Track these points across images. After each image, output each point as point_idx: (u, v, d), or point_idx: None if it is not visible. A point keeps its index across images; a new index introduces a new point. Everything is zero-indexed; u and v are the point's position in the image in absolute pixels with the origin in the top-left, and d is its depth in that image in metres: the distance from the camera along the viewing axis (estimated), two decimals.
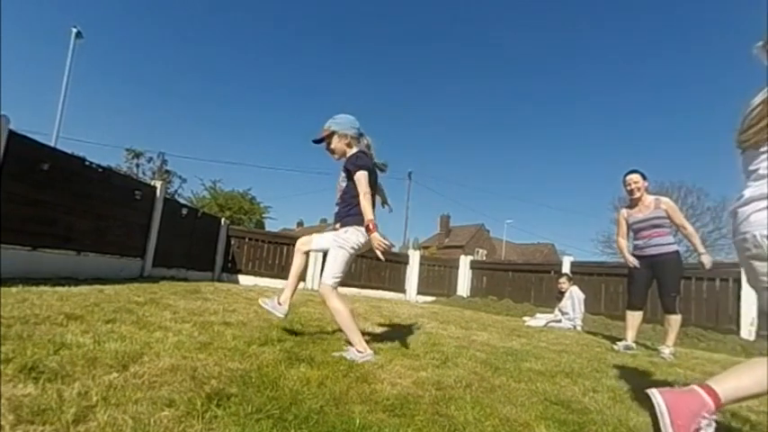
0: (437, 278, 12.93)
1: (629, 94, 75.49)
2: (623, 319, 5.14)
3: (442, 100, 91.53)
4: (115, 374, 1.77)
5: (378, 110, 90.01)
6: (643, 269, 4.79)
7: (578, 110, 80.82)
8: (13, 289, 3.77)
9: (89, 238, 6.27)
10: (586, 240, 68.37)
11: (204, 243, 10.16)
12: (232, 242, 11.01)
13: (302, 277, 3.21)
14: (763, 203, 1.55)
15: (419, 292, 12.49)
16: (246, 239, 11.26)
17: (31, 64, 57.69)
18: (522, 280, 11.26)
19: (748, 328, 6.99)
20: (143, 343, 2.37)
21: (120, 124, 67.42)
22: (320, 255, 11.28)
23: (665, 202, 4.79)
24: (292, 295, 3.15)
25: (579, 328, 7.23)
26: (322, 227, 36.34)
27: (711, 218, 34.13)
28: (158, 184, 8.28)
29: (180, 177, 27.81)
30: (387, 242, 2.74)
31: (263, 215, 26.02)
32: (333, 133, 3.02)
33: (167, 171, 27.58)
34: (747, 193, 1.63)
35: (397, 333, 4.11)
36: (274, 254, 11.05)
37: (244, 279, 10.61)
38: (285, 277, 3.12)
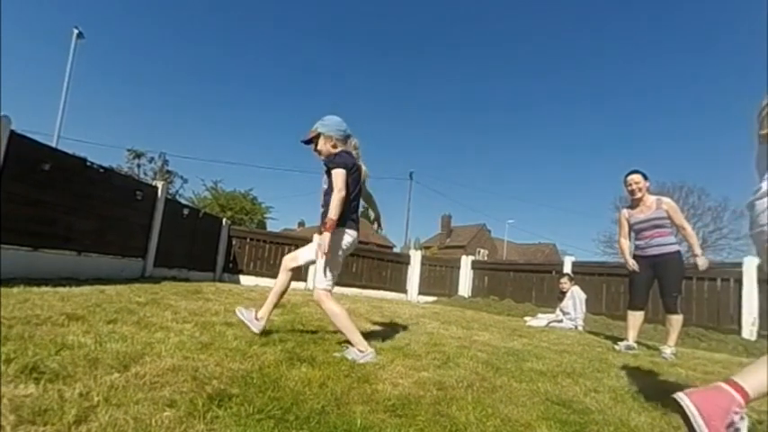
0: (438, 278, 12.92)
1: (630, 94, 75.52)
2: (624, 319, 5.13)
3: (444, 100, 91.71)
4: (116, 375, 1.77)
5: (379, 110, 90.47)
6: (644, 269, 4.78)
7: (579, 110, 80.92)
8: (15, 289, 3.77)
9: (90, 238, 6.28)
10: (588, 240, 68.81)
11: (206, 243, 10.17)
12: (233, 242, 11.02)
13: (284, 294, 3.20)
14: None
15: (420, 293, 12.48)
16: (248, 240, 11.27)
17: (32, 64, 57.79)
18: (524, 280, 11.25)
19: (750, 328, 6.99)
20: (144, 343, 2.37)
21: (121, 125, 67.52)
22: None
23: (667, 202, 4.78)
24: (271, 312, 3.13)
25: (580, 328, 7.21)
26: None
27: (712, 218, 34.13)
28: (160, 184, 8.28)
29: (181, 178, 27.84)
30: (325, 250, 2.72)
31: (265, 215, 26.07)
32: (319, 135, 3.04)
33: (169, 171, 27.62)
34: (765, 185, 1.64)
35: (399, 333, 4.11)
36: (276, 254, 11.02)
37: (245, 279, 10.62)
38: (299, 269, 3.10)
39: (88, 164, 6.18)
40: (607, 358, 3.94)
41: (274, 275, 3.14)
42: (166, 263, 8.40)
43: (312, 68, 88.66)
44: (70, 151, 7.17)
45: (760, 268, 7.18)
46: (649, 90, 72.46)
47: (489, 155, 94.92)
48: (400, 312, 6.53)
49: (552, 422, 1.85)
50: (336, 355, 2.70)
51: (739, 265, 7.51)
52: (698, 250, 4.61)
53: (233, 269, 10.84)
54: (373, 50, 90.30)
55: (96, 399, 1.49)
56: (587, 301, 7.62)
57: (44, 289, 4.06)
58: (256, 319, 3.04)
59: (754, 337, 6.83)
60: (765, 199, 1.62)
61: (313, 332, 3.54)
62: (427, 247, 47.76)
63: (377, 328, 4.35)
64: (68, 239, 5.86)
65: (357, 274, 12.06)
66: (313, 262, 3.08)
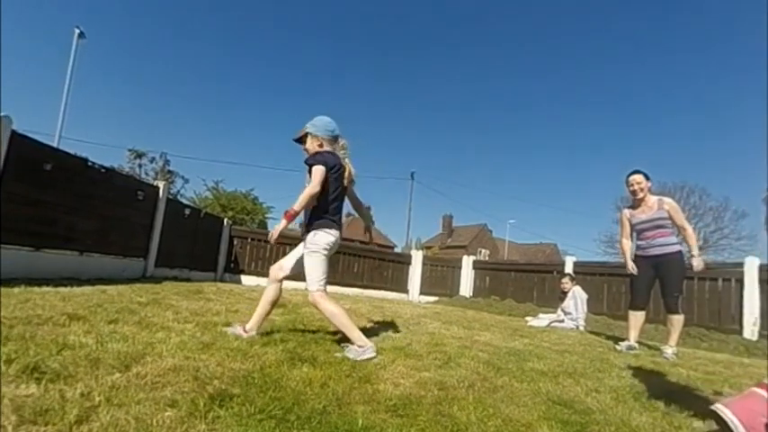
0: (440, 278, 12.92)
1: (631, 94, 75.39)
2: (626, 319, 5.13)
3: (445, 100, 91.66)
4: (118, 375, 1.77)
5: (379, 110, 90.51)
6: (646, 269, 4.78)
7: (580, 110, 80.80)
8: (16, 289, 3.77)
9: (92, 238, 6.28)
10: (589, 240, 68.68)
11: (207, 243, 10.17)
12: (235, 242, 11.01)
13: (275, 305, 3.20)
14: None
15: (422, 293, 12.48)
16: (249, 240, 11.26)
17: (33, 64, 57.82)
18: (525, 280, 11.24)
19: (751, 328, 6.98)
20: (146, 343, 2.37)
21: (123, 125, 67.53)
22: None
23: (668, 202, 4.77)
24: (261, 324, 3.11)
25: (582, 328, 7.21)
26: None
27: (713, 218, 34.14)
28: (161, 184, 8.28)
29: (182, 178, 27.89)
30: (274, 237, 2.90)
31: (266, 215, 26.03)
32: (307, 134, 3.11)
33: (170, 171, 27.66)
34: None
35: (400, 333, 4.11)
36: (277, 254, 10.96)
37: (246, 279, 10.61)
38: (289, 277, 3.11)
39: (89, 164, 6.19)
40: (608, 358, 3.94)
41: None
42: (168, 263, 8.41)
43: (312, 68, 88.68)
44: (71, 151, 7.19)
45: (761, 268, 7.18)
46: (650, 90, 72.49)
47: (490, 155, 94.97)
48: (401, 312, 6.53)
49: (553, 422, 1.85)
50: (338, 355, 2.70)
51: (740, 265, 7.49)
52: (695, 251, 4.61)
53: (234, 269, 10.84)
54: (373, 50, 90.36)
55: (98, 399, 1.49)
56: (588, 301, 7.62)
57: (45, 289, 4.06)
58: (245, 332, 3.00)
59: (755, 338, 6.82)
60: None
61: (314, 332, 3.54)
62: (428, 247, 47.74)
63: (378, 328, 4.35)
64: (70, 239, 5.86)
65: (358, 274, 12.06)
66: (300, 269, 3.06)
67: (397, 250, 36.87)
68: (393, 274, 12.59)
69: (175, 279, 8.09)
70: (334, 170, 2.98)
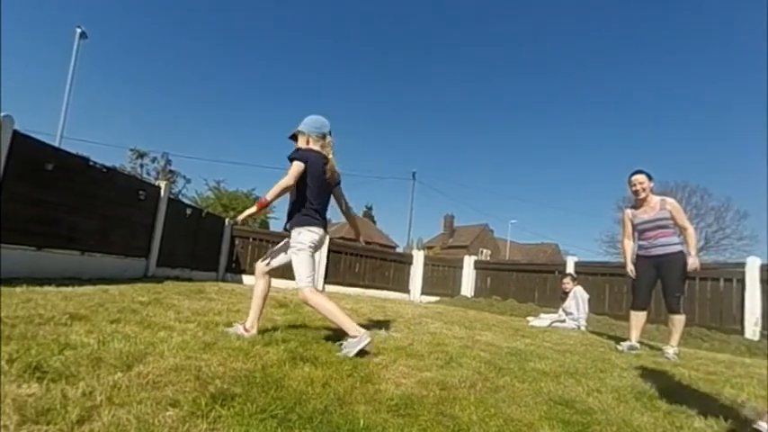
0: (441, 278, 12.92)
1: (632, 94, 75.25)
2: (627, 319, 5.12)
3: (446, 100, 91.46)
4: (119, 374, 1.77)
5: (380, 110, 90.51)
6: (648, 269, 4.78)
7: (581, 110, 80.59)
8: (18, 289, 3.78)
9: (93, 238, 6.29)
10: (590, 240, 68.53)
11: (208, 243, 10.18)
12: (236, 242, 11.04)
13: (266, 298, 3.26)
14: None
15: (423, 293, 12.49)
16: (250, 239, 11.29)
17: (34, 64, 57.78)
18: (526, 280, 11.24)
19: (752, 329, 6.97)
20: (147, 343, 2.37)
21: (123, 125, 67.58)
22: (323, 258, 11.34)
23: (671, 203, 4.76)
24: (259, 319, 3.17)
25: (583, 328, 7.20)
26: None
27: (715, 218, 34.13)
28: (162, 184, 8.30)
29: (184, 177, 27.96)
30: (243, 221, 3.16)
31: (267, 215, 26.09)
32: (299, 132, 3.19)
33: (171, 171, 27.72)
34: None
35: (402, 333, 4.11)
36: None
37: (248, 279, 10.61)
38: (290, 277, 3.13)
39: (91, 164, 6.20)
40: (610, 358, 3.94)
41: (277, 275, 3.16)
42: (169, 262, 8.42)
43: (312, 68, 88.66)
44: (73, 151, 7.19)
45: (763, 268, 7.17)
46: (651, 90, 72.26)
47: (491, 155, 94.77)
48: (403, 312, 6.53)
49: (555, 422, 1.85)
50: (339, 354, 2.70)
51: (742, 265, 7.48)
52: (693, 251, 4.61)
53: (236, 269, 10.87)
54: (373, 50, 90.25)
55: (99, 398, 1.49)
56: (590, 301, 7.61)
57: (47, 288, 4.07)
58: (246, 331, 3.04)
59: (756, 338, 6.81)
60: None
61: (316, 332, 3.54)
62: (430, 247, 47.70)
63: (380, 328, 4.35)
64: (71, 239, 5.87)
65: (360, 274, 12.08)
66: (286, 263, 3.15)
67: (399, 250, 36.87)
68: (394, 274, 12.60)
69: (177, 279, 8.11)
70: (316, 167, 3.04)
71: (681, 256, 4.65)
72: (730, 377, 3.44)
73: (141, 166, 27.01)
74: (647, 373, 3.28)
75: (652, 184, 4.83)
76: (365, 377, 2.23)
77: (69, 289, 4.27)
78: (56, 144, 12.66)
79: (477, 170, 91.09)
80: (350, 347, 2.72)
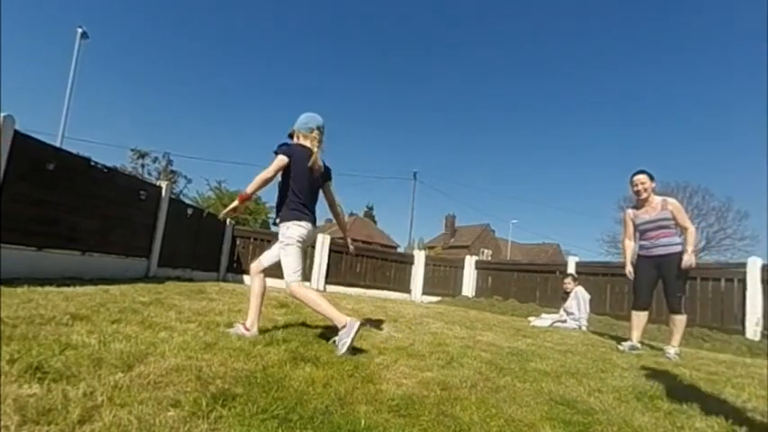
0: (442, 278, 12.91)
1: (633, 94, 75.21)
2: (628, 319, 5.12)
3: (447, 100, 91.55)
4: (120, 375, 1.77)
5: (381, 110, 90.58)
6: (649, 269, 4.77)
7: (582, 110, 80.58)
8: (19, 289, 3.79)
9: (94, 238, 6.30)
10: (591, 240, 68.23)
11: (209, 243, 10.19)
12: (237, 242, 11.06)
13: (263, 296, 3.30)
14: None
15: (424, 293, 12.48)
16: (252, 239, 11.30)
17: (34, 64, 57.95)
18: (528, 280, 11.23)
19: (753, 329, 6.95)
20: (148, 343, 2.38)
21: (124, 125, 67.69)
22: (324, 258, 11.35)
23: (672, 203, 4.76)
24: (259, 317, 3.20)
25: (584, 328, 7.20)
26: (327, 227, 36.41)
27: (716, 218, 34.13)
28: (163, 184, 8.30)
29: (185, 177, 28.03)
30: (229, 215, 3.13)
31: (269, 215, 26.10)
32: (292, 130, 3.32)
33: (172, 171, 27.78)
34: None
35: (403, 333, 4.11)
36: None
37: (249, 279, 10.60)
38: (268, 269, 3.20)
39: (92, 164, 6.20)
40: (611, 358, 3.93)
41: (277, 275, 3.17)
42: (170, 263, 8.43)
43: (312, 68, 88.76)
44: (74, 151, 7.19)
45: (764, 268, 7.15)
46: (652, 90, 72.24)
47: (491, 155, 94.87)
48: (404, 312, 6.53)
49: (556, 422, 1.85)
50: (338, 354, 2.71)
51: (743, 265, 7.46)
52: (690, 248, 4.60)
53: (237, 269, 10.88)
54: (373, 50, 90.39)
55: (100, 398, 1.49)
56: (591, 301, 7.61)
57: (48, 289, 4.07)
58: (246, 330, 3.05)
59: (757, 338, 6.79)
60: None
61: (317, 332, 3.54)
62: (431, 247, 47.70)
63: (381, 328, 4.35)
64: (72, 239, 5.88)
65: (361, 274, 12.08)
66: (277, 261, 3.20)
67: (400, 250, 36.87)
68: (396, 274, 12.60)
69: (178, 279, 8.11)
70: (299, 161, 3.10)
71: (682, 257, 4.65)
72: (731, 377, 3.44)
73: (142, 166, 27.08)
74: (648, 374, 3.27)
75: (654, 185, 4.82)
76: (366, 377, 2.23)
77: (70, 289, 4.27)
78: (57, 144, 12.66)
79: (477, 170, 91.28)
80: (344, 338, 2.76)
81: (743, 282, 7.28)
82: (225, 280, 10.35)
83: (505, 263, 16.09)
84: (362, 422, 1.58)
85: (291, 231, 3.06)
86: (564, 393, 2.38)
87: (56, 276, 5.16)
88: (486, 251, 52.07)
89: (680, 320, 4.59)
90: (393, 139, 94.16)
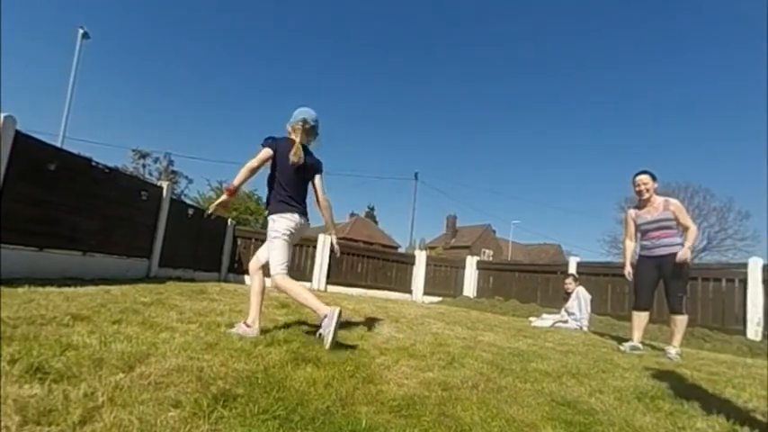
0: (443, 279, 12.91)
1: (634, 94, 75.14)
2: (629, 319, 5.12)
3: (446, 100, 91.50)
4: (121, 375, 1.77)
5: (381, 110, 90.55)
6: (650, 269, 4.77)
7: (583, 110, 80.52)
8: (20, 289, 3.79)
9: (95, 238, 6.30)
10: (592, 241, 68.58)
11: (211, 243, 10.20)
12: (238, 242, 11.06)
13: (263, 293, 3.33)
14: None
15: (425, 293, 12.48)
16: (253, 240, 11.29)
17: (34, 64, 58.06)
18: (529, 280, 11.23)
19: (754, 329, 6.94)
20: (149, 344, 2.37)
21: (125, 125, 67.73)
22: (326, 258, 11.36)
23: (674, 203, 4.76)
24: (260, 315, 3.22)
25: (585, 328, 7.19)
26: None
27: (717, 218, 34.16)
28: (165, 184, 8.31)
29: (186, 178, 28.07)
30: (218, 209, 3.18)
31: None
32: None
33: (174, 171, 27.81)
34: None
35: (404, 334, 4.10)
36: None
37: (250, 280, 10.62)
38: (293, 277, 3.19)
39: (93, 164, 6.21)
40: (612, 359, 3.93)
41: None
42: (171, 263, 8.43)
43: (312, 68, 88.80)
44: (75, 151, 7.20)
45: (765, 269, 7.15)
46: (652, 90, 72.16)
47: (492, 155, 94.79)
48: (405, 313, 6.53)
49: (557, 422, 1.85)
50: (325, 345, 2.75)
51: (744, 265, 7.46)
52: (687, 244, 4.61)
53: (238, 269, 10.88)
54: (373, 50, 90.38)
55: (101, 399, 1.49)
56: (592, 301, 7.60)
57: (49, 289, 4.07)
58: (248, 327, 3.08)
59: (758, 338, 6.78)
60: None
61: (318, 332, 3.54)
62: (432, 248, 47.69)
63: (382, 328, 4.34)
64: (73, 239, 5.88)
65: (362, 274, 12.09)
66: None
67: (401, 250, 36.86)
68: (397, 274, 12.60)
69: (179, 279, 8.12)
70: (283, 154, 3.15)
71: None
72: (732, 377, 3.43)
73: (144, 166, 27.11)
74: (649, 374, 3.27)
75: (656, 185, 4.82)
76: (367, 378, 2.22)
77: (71, 289, 4.28)
78: (58, 144, 12.67)
79: (478, 170, 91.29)
80: (327, 327, 2.81)
81: (744, 282, 7.28)
82: (226, 280, 10.35)
83: (506, 263, 16.09)
84: (363, 423, 1.58)
85: (278, 225, 3.12)
86: (565, 394, 2.38)
87: (57, 277, 5.16)
88: (487, 251, 52.07)
89: (681, 321, 4.58)
90: (393, 139, 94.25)
